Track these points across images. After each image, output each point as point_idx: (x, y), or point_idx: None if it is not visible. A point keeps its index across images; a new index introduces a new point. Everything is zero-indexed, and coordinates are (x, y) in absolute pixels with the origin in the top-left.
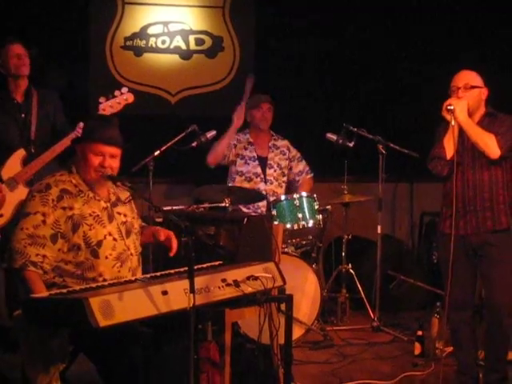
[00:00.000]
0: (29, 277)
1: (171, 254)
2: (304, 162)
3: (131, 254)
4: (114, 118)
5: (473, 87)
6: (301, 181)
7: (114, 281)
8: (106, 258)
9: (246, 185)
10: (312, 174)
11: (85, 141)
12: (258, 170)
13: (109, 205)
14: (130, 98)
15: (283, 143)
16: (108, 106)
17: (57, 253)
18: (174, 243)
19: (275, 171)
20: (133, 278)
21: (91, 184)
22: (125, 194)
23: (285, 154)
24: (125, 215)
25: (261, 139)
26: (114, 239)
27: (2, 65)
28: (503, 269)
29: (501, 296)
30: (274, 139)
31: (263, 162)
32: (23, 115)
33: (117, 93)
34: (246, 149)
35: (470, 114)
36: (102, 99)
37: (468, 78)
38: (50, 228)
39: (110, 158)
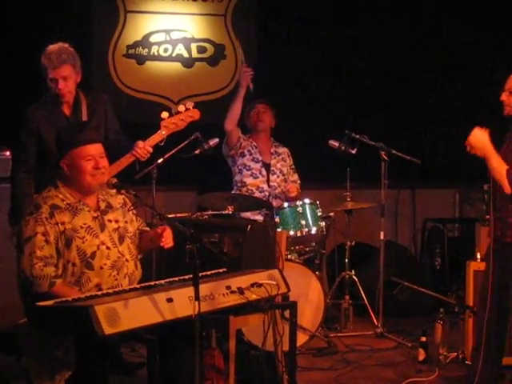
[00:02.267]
0: (59, 290)
1: (164, 246)
2: (296, 175)
3: (126, 260)
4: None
5: None
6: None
7: (116, 289)
8: (101, 268)
9: (252, 181)
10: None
11: (68, 151)
12: (264, 172)
13: (99, 213)
14: (196, 114)
15: (283, 150)
16: (171, 123)
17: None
18: (168, 233)
19: (278, 177)
20: (137, 286)
21: (88, 192)
22: (117, 200)
23: (285, 161)
24: (116, 221)
25: (263, 145)
26: (108, 248)
27: (45, 78)
28: None
29: None
30: (275, 146)
31: (267, 168)
32: None
33: (181, 108)
34: (251, 148)
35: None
36: (163, 115)
37: None
38: (53, 246)
39: (99, 158)
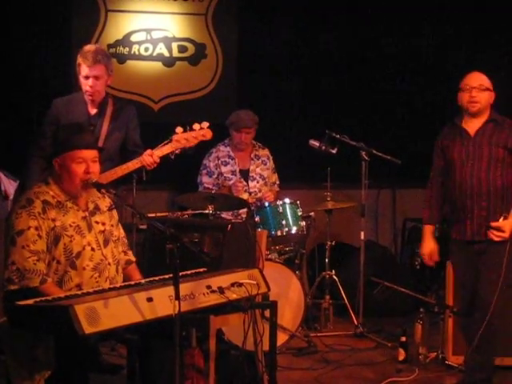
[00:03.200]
0: (49, 289)
1: None
2: (276, 175)
3: (109, 264)
4: (82, 124)
5: (486, 89)
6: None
7: (96, 288)
8: (84, 268)
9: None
10: (278, 189)
11: (63, 152)
12: (243, 182)
13: (87, 214)
14: (209, 134)
15: (264, 152)
16: (183, 139)
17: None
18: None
19: (258, 182)
20: (117, 285)
21: (75, 194)
22: (105, 202)
23: (266, 164)
24: (103, 224)
25: (242, 151)
26: (92, 249)
27: (78, 75)
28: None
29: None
30: (256, 150)
31: (245, 175)
32: (92, 128)
33: (196, 126)
34: (225, 164)
35: (477, 117)
36: (178, 129)
37: (482, 78)
38: (45, 241)
39: (92, 162)
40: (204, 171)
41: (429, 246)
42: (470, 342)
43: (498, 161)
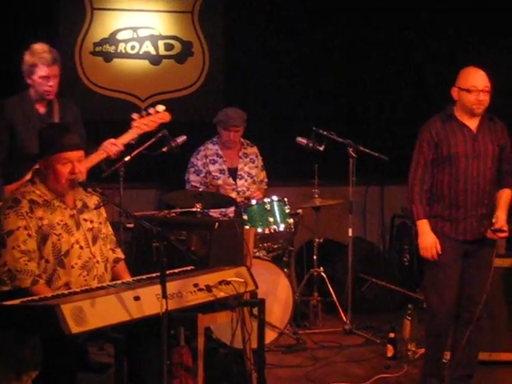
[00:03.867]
0: (40, 290)
1: None
2: (265, 173)
3: (97, 262)
4: (67, 123)
5: (489, 91)
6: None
7: (83, 288)
8: (72, 267)
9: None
10: (266, 187)
11: (48, 154)
12: (230, 180)
13: (75, 212)
14: (167, 117)
15: (252, 150)
16: (143, 124)
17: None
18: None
19: (246, 181)
20: (105, 284)
21: (61, 193)
22: (92, 200)
23: (254, 162)
24: (91, 221)
25: (230, 150)
26: (81, 247)
27: (28, 76)
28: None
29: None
30: (244, 147)
31: (233, 174)
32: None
33: (151, 110)
34: (213, 163)
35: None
36: (135, 116)
37: (486, 80)
38: (35, 240)
39: (77, 162)
40: (192, 169)
41: (431, 238)
42: (454, 342)
43: (495, 158)
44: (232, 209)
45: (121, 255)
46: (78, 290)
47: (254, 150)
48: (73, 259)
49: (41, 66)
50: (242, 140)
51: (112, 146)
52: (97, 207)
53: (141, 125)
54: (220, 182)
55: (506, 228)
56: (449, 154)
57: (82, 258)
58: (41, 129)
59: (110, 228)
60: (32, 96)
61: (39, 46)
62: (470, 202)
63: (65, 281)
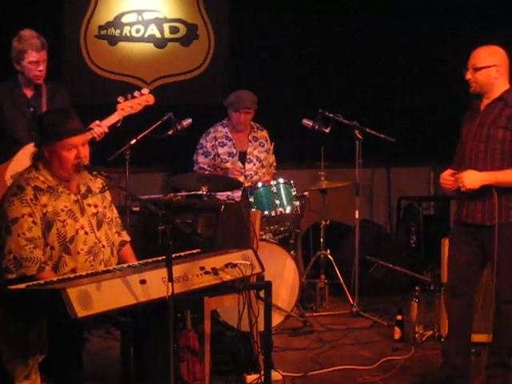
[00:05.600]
0: (47, 277)
1: None
2: (274, 157)
3: (103, 246)
4: (69, 106)
5: (480, 68)
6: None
7: (89, 271)
8: (78, 253)
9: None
10: (275, 171)
11: (52, 141)
12: (239, 164)
13: (79, 197)
14: (151, 99)
15: (262, 134)
16: (127, 107)
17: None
18: None
19: (254, 165)
20: (111, 268)
21: (67, 179)
22: (96, 184)
23: (263, 146)
24: (95, 206)
25: (240, 133)
26: (86, 233)
27: (17, 62)
28: None
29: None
30: (254, 131)
31: (242, 157)
32: (32, 109)
33: (137, 93)
34: (222, 145)
35: (485, 96)
36: (120, 99)
37: (476, 57)
38: (40, 227)
39: (81, 146)
40: (200, 151)
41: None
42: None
43: (496, 142)
44: (239, 193)
45: (126, 238)
46: (83, 273)
47: (264, 133)
48: (78, 245)
49: (30, 51)
50: (252, 123)
51: (96, 128)
52: (102, 191)
53: (125, 107)
54: (228, 165)
55: (462, 183)
56: (462, 135)
57: (88, 244)
58: (40, 115)
59: (115, 211)
60: (20, 81)
61: (28, 32)
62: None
63: (71, 267)
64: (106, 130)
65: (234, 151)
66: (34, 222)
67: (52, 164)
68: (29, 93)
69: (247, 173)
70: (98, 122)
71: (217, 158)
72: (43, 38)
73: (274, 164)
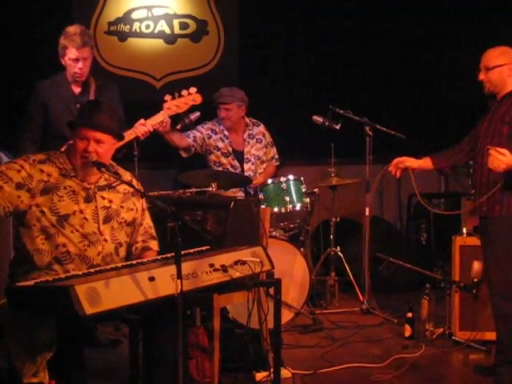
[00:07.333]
0: None
1: None
2: (275, 149)
3: (104, 240)
4: (105, 103)
5: (493, 68)
6: (266, 164)
7: (97, 268)
8: (72, 232)
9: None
10: (278, 163)
11: (74, 126)
12: (236, 164)
13: (93, 186)
14: (198, 99)
15: (259, 130)
16: (174, 106)
17: (15, 198)
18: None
19: (253, 164)
20: (119, 265)
21: (76, 168)
22: (123, 186)
23: (261, 142)
24: (110, 201)
25: (235, 133)
26: (85, 218)
27: (62, 57)
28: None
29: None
30: (249, 128)
31: (240, 157)
32: (78, 106)
33: (184, 92)
34: (222, 140)
35: (498, 95)
36: (167, 97)
37: (487, 58)
38: (21, 178)
39: (94, 142)
40: (195, 129)
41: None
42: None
43: (502, 137)
44: (241, 194)
45: (153, 246)
46: (92, 270)
47: (261, 128)
48: (74, 225)
49: (71, 48)
50: (247, 120)
51: (140, 127)
52: (109, 187)
53: (171, 106)
54: (223, 159)
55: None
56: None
57: (85, 229)
58: (43, 111)
59: (147, 220)
60: (67, 77)
61: (72, 28)
62: (475, 179)
63: (63, 241)
64: (151, 129)
65: (230, 150)
66: (18, 171)
67: (70, 149)
68: (76, 89)
69: (246, 173)
70: (142, 120)
71: (210, 147)
72: (88, 35)
73: (276, 156)
